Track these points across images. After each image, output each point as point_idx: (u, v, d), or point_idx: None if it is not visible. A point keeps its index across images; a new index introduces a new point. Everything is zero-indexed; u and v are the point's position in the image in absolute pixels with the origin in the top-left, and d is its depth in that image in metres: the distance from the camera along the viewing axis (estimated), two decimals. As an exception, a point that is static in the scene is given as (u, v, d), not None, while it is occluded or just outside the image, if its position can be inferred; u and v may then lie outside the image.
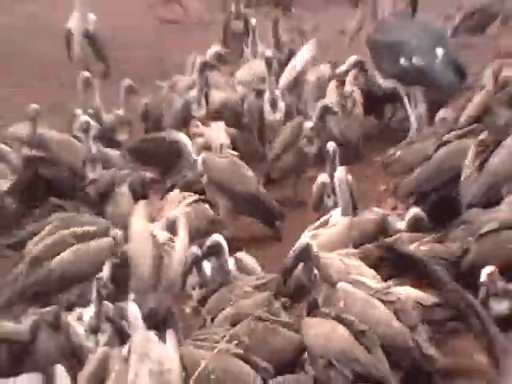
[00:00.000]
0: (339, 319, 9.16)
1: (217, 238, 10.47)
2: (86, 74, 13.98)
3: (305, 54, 14.57)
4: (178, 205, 11.84)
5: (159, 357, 8.70)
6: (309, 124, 12.80)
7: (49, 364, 9.19)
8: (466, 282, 9.94)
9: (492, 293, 9.23)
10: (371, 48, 14.36)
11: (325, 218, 11.19)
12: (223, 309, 9.95)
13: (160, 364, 8.62)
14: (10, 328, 9.63)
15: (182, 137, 12.60)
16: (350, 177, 11.73)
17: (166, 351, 8.89)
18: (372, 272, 10.12)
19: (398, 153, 13.06)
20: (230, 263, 10.59)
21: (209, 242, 10.44)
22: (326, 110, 12.89)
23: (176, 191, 12.17)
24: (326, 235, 10.93)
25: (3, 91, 15.18)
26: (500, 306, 9.27)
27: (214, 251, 10.36)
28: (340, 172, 11.57)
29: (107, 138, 13.72)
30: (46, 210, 11.88)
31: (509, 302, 9.33)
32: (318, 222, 11.18)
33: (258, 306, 9.87)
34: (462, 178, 11.45)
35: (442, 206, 11.60)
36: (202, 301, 10.35)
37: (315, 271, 10.15)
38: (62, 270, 10.50)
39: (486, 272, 9.23)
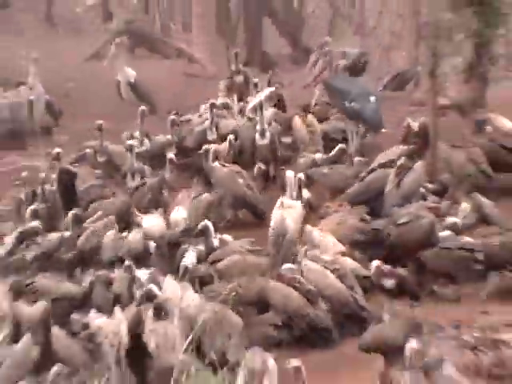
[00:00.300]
0: (291, 284, 9.46)
1: (206, 223, 10.54)
2: (144, 107, 13.89)
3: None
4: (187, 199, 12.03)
5: (188, 298, 8.93)
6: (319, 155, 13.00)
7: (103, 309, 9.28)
8: (390, 255, 10.25)
9: (381, 275, 9.34)
10: (326, 88, 14.32)
11: (279, 203, 11.01)
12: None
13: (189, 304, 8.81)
14: (68, 287, 9.78)
15: (208, 148, 12.61)
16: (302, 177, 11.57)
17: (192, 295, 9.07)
18: (337, 244, 10.36)
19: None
20: (216, 241, 10.52)
21: (200, 226, 10.49)
22: (342, 151, 12.99)
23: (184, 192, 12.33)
24: (292, 212, 10.85)
25: (75, 120, 15.04)
26: (388, 283, 9.33)
27: (204, 232, 10.39)
28: (289, 173, 11.48)
29: (158, 154, 13.62)
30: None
31: (394, 280, 9.39)
32: (277, 204, 11.01)
33: (255, 265, 10.14)
34: (386, 191, 11.55)
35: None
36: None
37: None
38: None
39: (374, 264, 9.38)
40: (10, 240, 10.63)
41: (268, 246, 10.77)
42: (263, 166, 12.56)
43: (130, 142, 13.26)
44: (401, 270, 9.54)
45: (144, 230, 10.87)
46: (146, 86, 15.37)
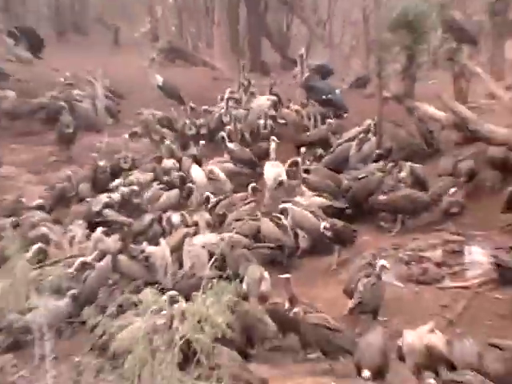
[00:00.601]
0: (270, 217, 9.56)
1: (208, 194, 10.48)
2: (192, 105, 13.79)
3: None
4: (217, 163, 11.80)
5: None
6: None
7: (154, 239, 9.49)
8: (351, 201, 10.22)
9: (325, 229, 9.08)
10: (305, 88, 13.68)
11: (268, 164, 11.07)
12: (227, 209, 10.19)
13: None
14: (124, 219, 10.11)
15: (223, 134, 12.27)
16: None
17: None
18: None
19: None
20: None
21: (205, 195, 10.48)
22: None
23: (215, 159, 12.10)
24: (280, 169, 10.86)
25: (132, 110, 14.70)
26: (328, 234, 9.07)
27: (207, 199, 10.40)
28: (273, 145, 11.35)
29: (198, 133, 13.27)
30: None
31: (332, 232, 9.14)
32: (267, 165, 11.07)
33: (250, 210, 10.07)
34: (350, 154, 11.34)
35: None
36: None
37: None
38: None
39: (322, 225, 9.10)
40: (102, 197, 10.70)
41: (266, 191, 10.79)
42: (277, 140, 11.81)
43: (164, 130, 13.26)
44: (338, 223, 9.25)
45: (194, 181, 11.04)
46: (172, 87, 14.86)
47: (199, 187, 11.02)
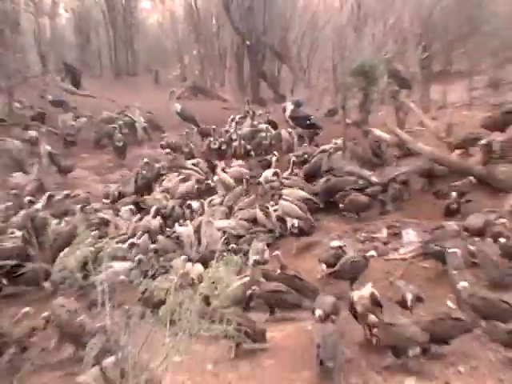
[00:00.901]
0: (261, 208, 9.28)
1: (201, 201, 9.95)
2: (213, 126, 13.26)
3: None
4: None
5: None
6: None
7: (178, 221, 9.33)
8: (327, 193, 9.95)
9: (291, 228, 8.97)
10: (291, 118, 13.11)
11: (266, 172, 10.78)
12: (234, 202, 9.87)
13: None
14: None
15: (233, 147, 12.07)
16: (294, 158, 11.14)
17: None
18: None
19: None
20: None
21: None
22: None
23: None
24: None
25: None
26: (295, 230, 9.03)
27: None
28: (273, 158, 11.18)
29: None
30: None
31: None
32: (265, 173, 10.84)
33: (250, 202, 9.86)
34: (323, 163, 11.05)
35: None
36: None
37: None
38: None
39: (289, 224, 8.95)
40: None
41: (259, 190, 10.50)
42: (277, 155, 11.64)
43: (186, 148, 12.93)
44: (301, 223, 9.10)
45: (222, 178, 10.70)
46: (188, 113, 14.15)
47: (226, 187, 10.62)
